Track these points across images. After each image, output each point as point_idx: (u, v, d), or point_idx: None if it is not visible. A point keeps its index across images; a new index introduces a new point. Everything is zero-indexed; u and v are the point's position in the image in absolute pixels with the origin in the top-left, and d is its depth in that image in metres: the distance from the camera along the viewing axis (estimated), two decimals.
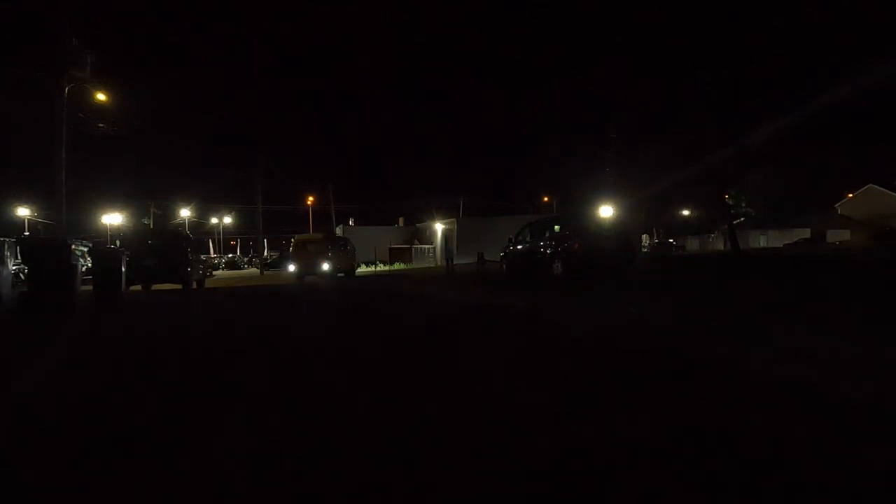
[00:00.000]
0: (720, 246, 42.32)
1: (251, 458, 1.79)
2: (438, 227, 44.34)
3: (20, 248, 9.24)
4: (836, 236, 49.25)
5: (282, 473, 1.67)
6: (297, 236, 23.07)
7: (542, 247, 13.69)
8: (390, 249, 42.34)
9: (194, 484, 1.62)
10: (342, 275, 21.05)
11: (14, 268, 10.73)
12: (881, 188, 53.39)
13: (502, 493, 1.48)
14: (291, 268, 21.28)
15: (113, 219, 47.60)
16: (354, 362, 3.53)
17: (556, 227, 13.60)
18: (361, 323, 6.05)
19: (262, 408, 2.45)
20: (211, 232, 63.63)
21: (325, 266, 20.19)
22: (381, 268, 34.49)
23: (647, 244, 48.99)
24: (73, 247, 9.03)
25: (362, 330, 5.35)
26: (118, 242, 17.25)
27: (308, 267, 20.14)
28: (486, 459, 1.71)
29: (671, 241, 50.78)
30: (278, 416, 2.29)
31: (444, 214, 45.93)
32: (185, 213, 53.51)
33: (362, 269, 28.88)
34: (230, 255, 59.63)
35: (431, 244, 44.46)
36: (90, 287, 10.74)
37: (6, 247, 8.50)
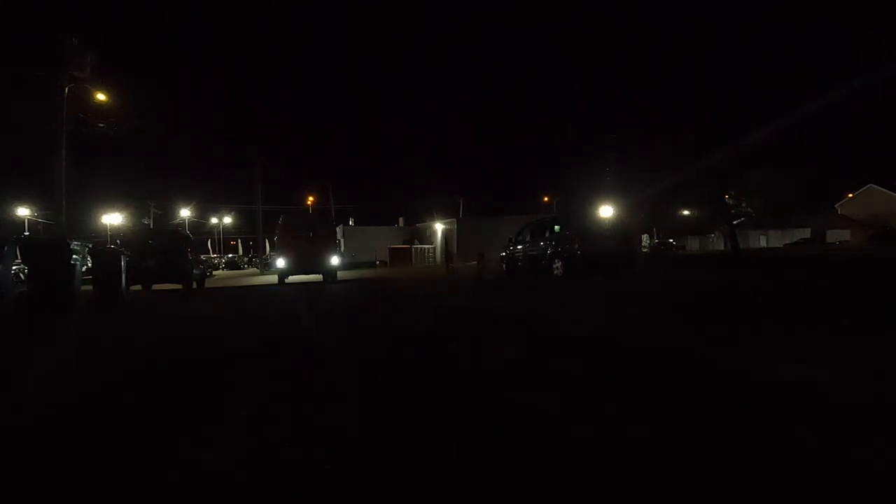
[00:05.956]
0: (720, 246, 42.28)
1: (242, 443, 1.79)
2: (438, 227, 44.32)
3: (20, 248, 9.22)
4: (836, 236, 49.28)
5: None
6: (283, 217, 17.34)
7: (542, 247, 13.70)
8: (390, 249, 42.34)
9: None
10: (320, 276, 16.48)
11: (14, 268, 10.72)
12: (881, 188, 53.49)
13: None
14: (281, 263, 15.86)
15: (113, 219, 47.62)
16: (349, 359, 3.53)
17: (556, 227, 13.60)
18: (355, 323, 6.04)
19: (257, 406, 2.45)
20: (211, 232, 63.64)
21: (334, 261, 15.74)
22: (371, 270, 34.34)
23: (647, 244, 48.98)
24: (72, 246, 9.02)
25: (357, 329, 5.35)
26: (118, 242, 17.22)
27: (301, 263, 15.43)
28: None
29: (671, 241, 50.79)
30: (276, 416, 2.29)
31: (444, 214, 45.91)
32: (185, 213, 53.54)
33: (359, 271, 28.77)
34: (230, 255, 59.65)
35: (431, 244, 44.44)
36: (90, 287, 10.73)
37: (6, 247, 8.48)
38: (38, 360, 4.16)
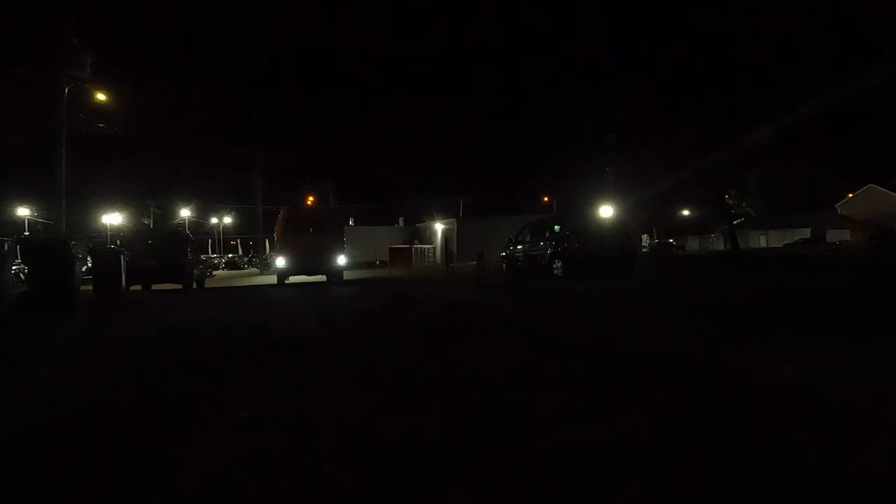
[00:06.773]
0: (720, 246, 42.33)
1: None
2: (438, 227, 44.33)
3: (20, 248, 9.23)
4: (836, 236, 49.31)
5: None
6: (283, 211, 15.81)
7: (542, 247, 13.71)
8: (390, 249, 42.35)
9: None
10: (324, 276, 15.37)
11: (14, 268, 10.73)
12: (881, 188, 53.53)
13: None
14: (280, 262, 14.67)
15: (113, 219, 47.66)
16: (349, 359, 3.53)
17: (556, 227, 13.61)
18: (355, 322, 6.04)
19: (256, 406, 2.45)
20: (211, 232, 63.66)
21: (341, 261, 14.64)
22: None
23: (646, 244, 49.04)
24: (72, 246, 9.04)
25: (356, 328, 5.34)
26: (118, 242, 17.23)
27: (303, 263, 14.34)
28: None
29: (671, 241, 50.85)
30: (275, 416, 2.29)
31: (444, 214, 45.92)
32: (185, 213, 53.57)
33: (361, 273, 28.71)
34: (230, 255, 59.70)
35: (431, 244, 44.45)
36: (90, 287, 10.74)
37: (6, 247, 8.49)
38: (37, 361, 4.15)
